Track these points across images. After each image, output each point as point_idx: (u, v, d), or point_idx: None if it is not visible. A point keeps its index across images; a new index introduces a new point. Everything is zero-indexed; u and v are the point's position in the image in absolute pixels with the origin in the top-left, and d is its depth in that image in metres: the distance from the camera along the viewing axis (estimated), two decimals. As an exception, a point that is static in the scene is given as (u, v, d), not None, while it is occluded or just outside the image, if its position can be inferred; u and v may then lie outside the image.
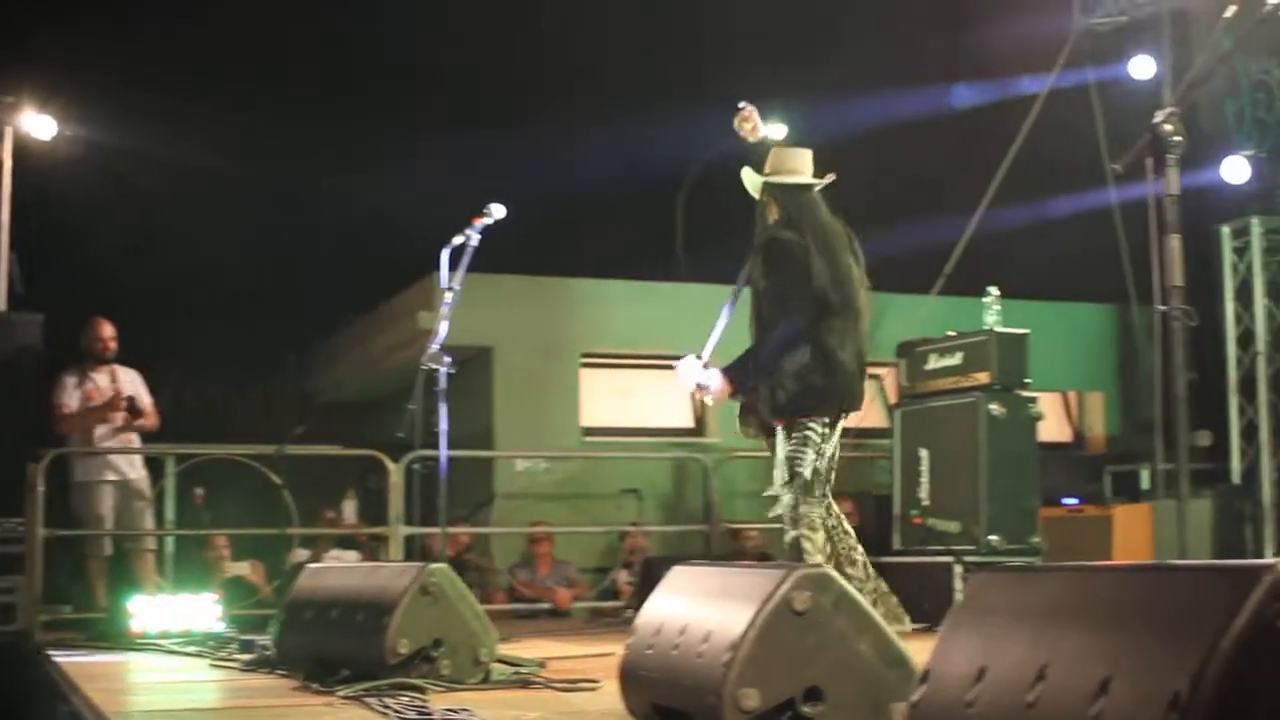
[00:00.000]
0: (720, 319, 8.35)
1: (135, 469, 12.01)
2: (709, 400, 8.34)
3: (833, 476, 8.09)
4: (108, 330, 11.92)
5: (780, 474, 7.97)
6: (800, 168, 8.27)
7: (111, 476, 11.83)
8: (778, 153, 8.31)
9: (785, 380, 7.90)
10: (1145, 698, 2.54)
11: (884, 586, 8.12)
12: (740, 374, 8.05)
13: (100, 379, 11.88)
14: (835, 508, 8.15)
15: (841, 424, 8.03)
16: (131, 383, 11.99)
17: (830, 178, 8.14)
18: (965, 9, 16.63)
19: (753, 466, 14.99)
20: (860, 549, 8.10)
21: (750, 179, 8.29)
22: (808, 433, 7.90)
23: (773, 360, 7.94)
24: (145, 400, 11.97)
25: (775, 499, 8.01)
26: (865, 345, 8.05)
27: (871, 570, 8.14)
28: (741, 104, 8.43)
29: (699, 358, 8.27)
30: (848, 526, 8.17)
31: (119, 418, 11.80)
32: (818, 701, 4.12)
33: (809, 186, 8.17)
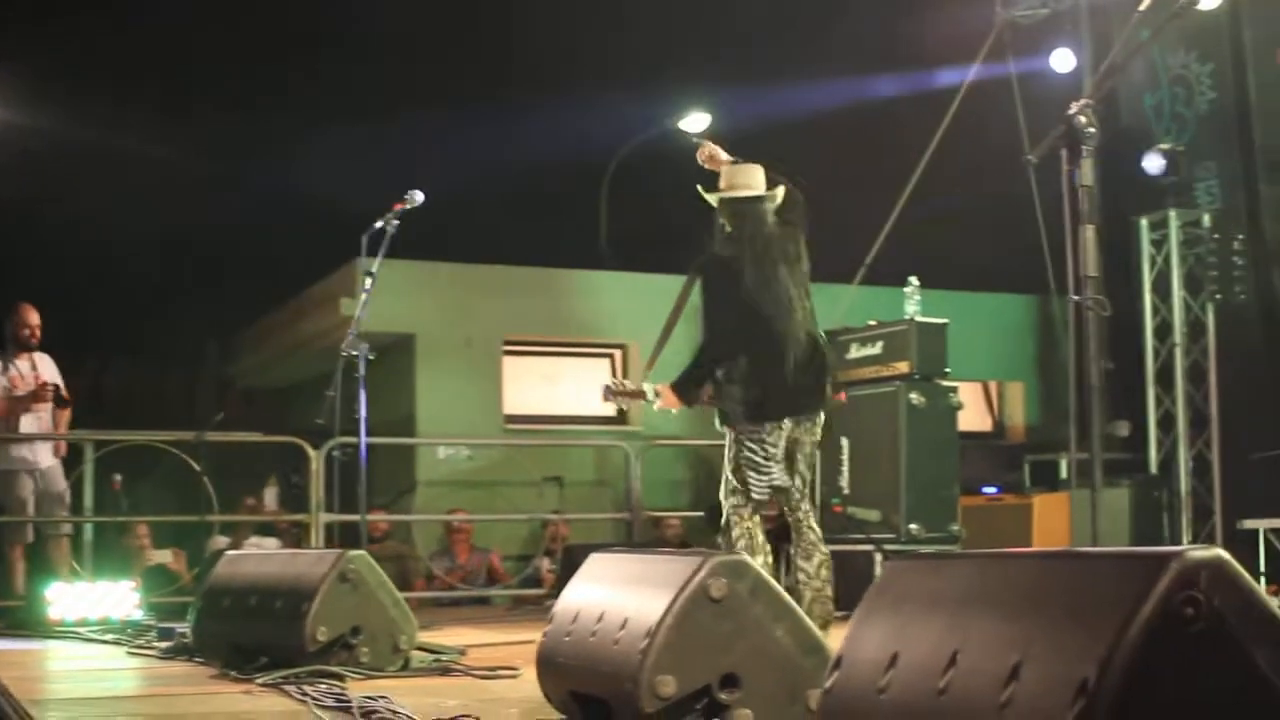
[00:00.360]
0: (661, 335, 8.79)
1: (50, 457, 11.93)
2: (656, 408, 8.56)
3: (809, 472, 8.41)
4: (34, 317, 11.79)
5: (723, 483, 8.25)
6: (750, 183, 8.42)
7: (31, 463, 11.75)
8: (729, 170, 8.44)
9: (723, 392, 8.20)
10: (1054, 683, 2.57)
11: (828, 591, 8.25)
12: (683, 387, 8.32)
13: (23, 366, 11.78)
14: (804, 507, 8.36)
15: (794, 427, 8.22)
16: (50, 370, 11.89)
17: (779, 190, 8.29)
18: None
19: (675, 455, 15.04)
20: (817, 552, 8.32)
21: (709, 197, 8.42)
22: (747, 451, 8.16)
23: (707, 373, 8.26)
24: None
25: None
26: (803, 351, 8.16)
27: (825, 573, 8.29)
28: (697, 140, 8.70)
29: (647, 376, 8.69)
30: (811, 524, 8.35)
31: (45, 407, 11.72)
32: (734, 688, 4.14)
33: (754, 199, 8.32)
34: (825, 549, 8.24)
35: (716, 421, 8.49)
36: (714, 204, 8.36)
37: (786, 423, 8.22)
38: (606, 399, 9.10)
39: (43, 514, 11.78)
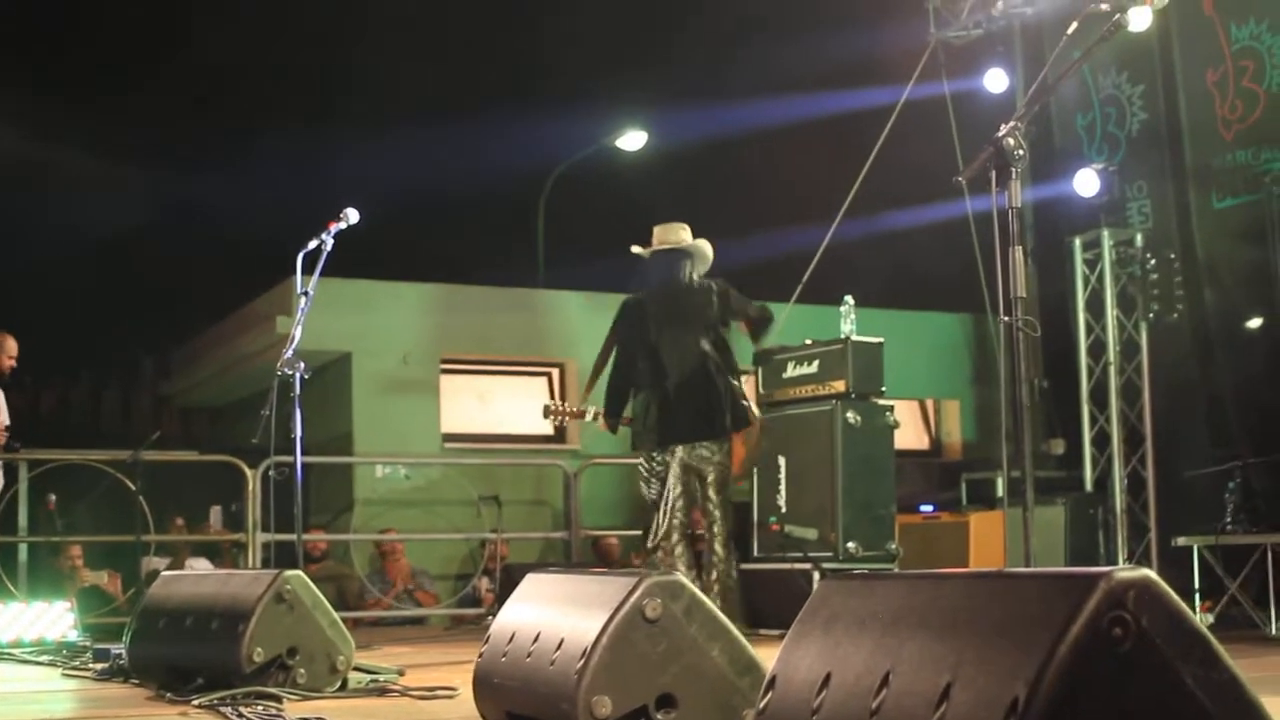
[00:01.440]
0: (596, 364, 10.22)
1: None
2: (599, 427, 10.18)
3: (700, 494, 9.93)
4: (13, 346, 11.61)
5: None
6: (669, 238, 9.98)
7: None
8: (659, 229, 10.00)
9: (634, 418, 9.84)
10: (985, 703, 2.59)
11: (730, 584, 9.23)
12: (606, 413, 10.00)
13: None
14: (715, 526, 9.93)
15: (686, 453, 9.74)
16: (3, 408, 11.82)
17: (703, 244, 10.01)
18: (822, 20, 16.79)
19: (613, 474, 15.05)
20: (720, 564, 9.55)
21: (637, 251, 10.08)
22: (640, 467, 9.87)
23: (617, 403, 9.96)
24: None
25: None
26: (694, 388, 9.80)
27: (729, 583, 9.23)
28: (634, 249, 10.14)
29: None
30: (717, 547, 9.89)
31: None
32: (670, 708, 4.15)
33: (672, 252, 9.94)
34: (728, 569, 9.28)
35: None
36: (645, 257, 9.96)
37: (679, 450, 9.69)
38: (546, 416, 9.87)
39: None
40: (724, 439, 9.80)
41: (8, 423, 11.82)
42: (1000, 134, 5.22)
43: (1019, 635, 2.63)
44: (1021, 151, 5.23)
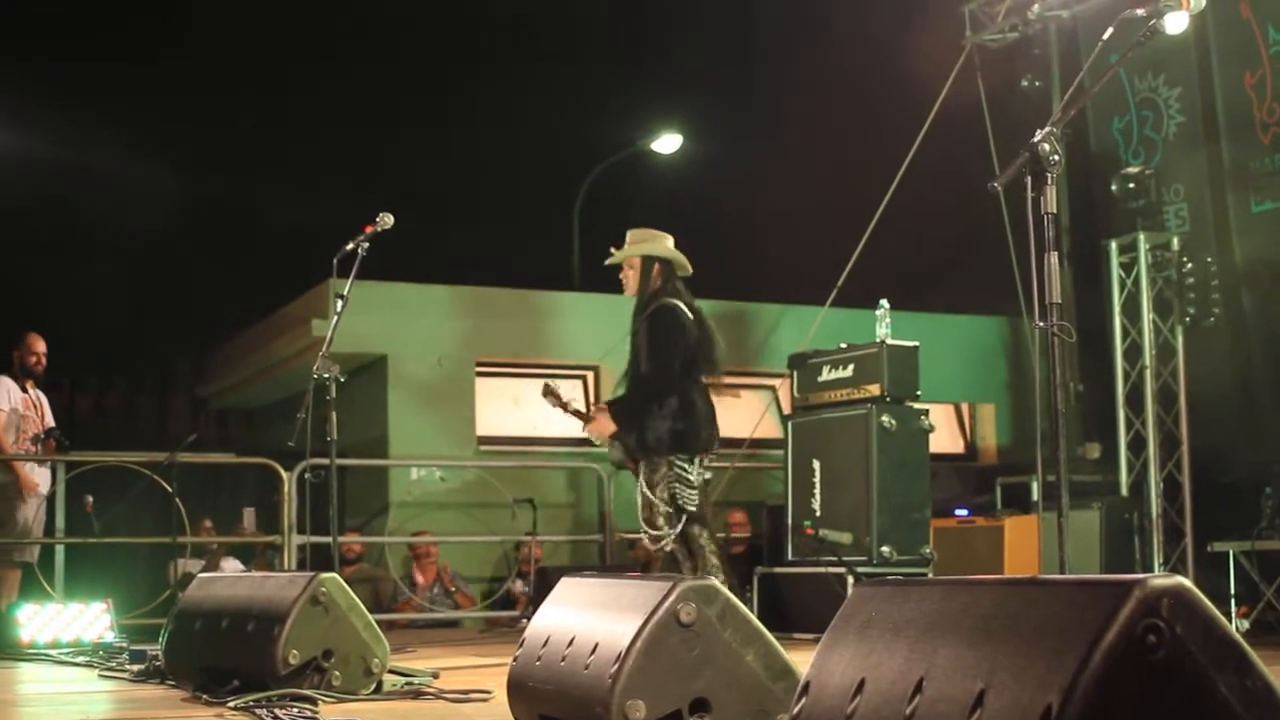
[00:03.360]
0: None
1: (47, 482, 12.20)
2: (584, 429, 10.07)
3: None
4: (41, 345, 12.06)
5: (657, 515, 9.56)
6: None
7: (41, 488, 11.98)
8: (651, 234, 9.87)
9: (649, 424, 9.48)
10: (1019, 710, 2.59)
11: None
12: (626, 416, 9.66)
13: (31, 394, 12.03)
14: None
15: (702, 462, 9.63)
16: (48, 410, 12.20)
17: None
18: (856, 22, 16.77)
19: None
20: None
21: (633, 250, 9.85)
22: (678, 472, 9.48)
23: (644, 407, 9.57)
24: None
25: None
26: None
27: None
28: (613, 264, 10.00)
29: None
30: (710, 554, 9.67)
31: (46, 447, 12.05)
32: (704, 713, 4.16)
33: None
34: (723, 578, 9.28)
35: (613, 451, 9.78)
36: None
37: (704, 458, 9.57)
38: (545, 395, 9.77)
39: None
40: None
41: (52, 424, 12.02)
42: (1036, 139, 5.20)
43: (1053, 642, 2.62)
44: (1057, 157, 5.21)
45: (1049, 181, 5.20)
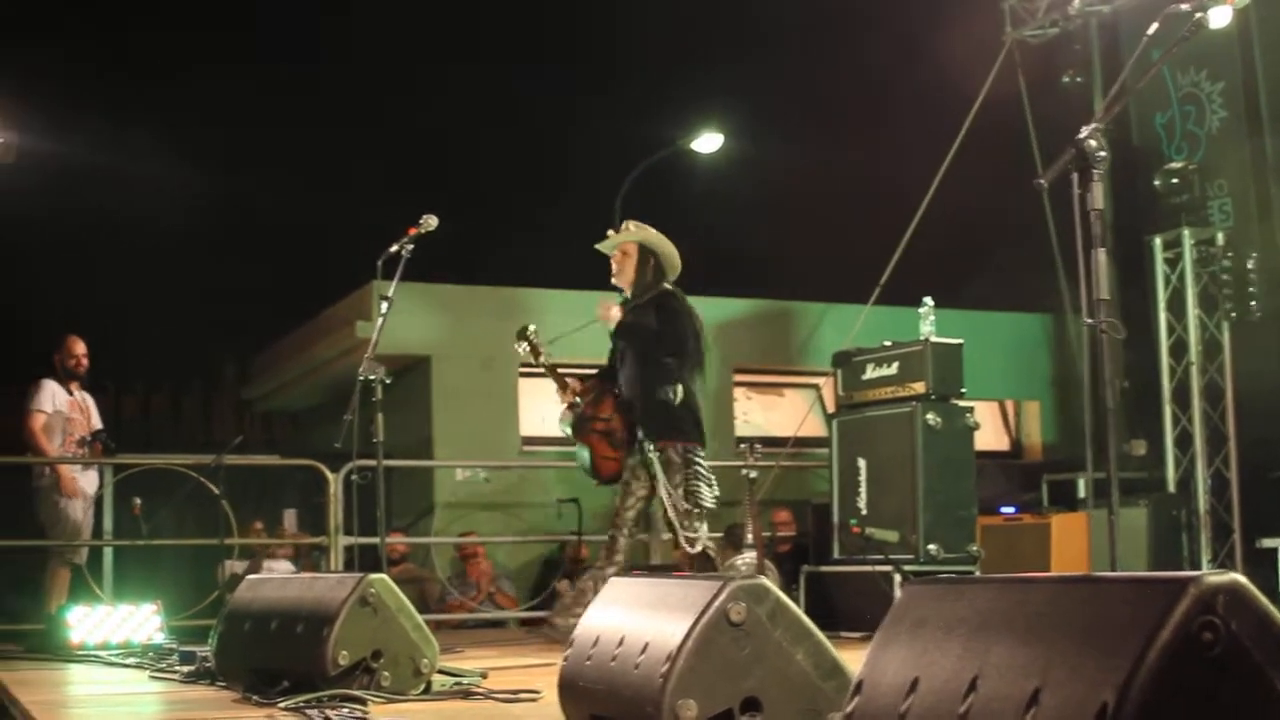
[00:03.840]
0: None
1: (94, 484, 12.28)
2: (560, 419, 10.42)
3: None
4: (80, 347, 12.16)
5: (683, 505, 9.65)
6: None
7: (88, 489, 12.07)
8: (649, 229, 10.06)
9: (660, 409, 9.64)
10: (1074, 709, 2.59)
11: None
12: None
13: (76, 395, 12.11)
14: None
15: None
16: (95, 413, 12.29)
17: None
18: (902, 21, 16.74)
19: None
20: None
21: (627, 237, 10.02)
22: (696, 465, 9.67)
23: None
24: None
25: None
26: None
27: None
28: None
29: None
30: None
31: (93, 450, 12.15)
32: (755, 712, 4.16)
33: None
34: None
35: (564, 423, 10.19)
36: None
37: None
38: (519, 340, 9.80)
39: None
40: None
41: (99, 426, 12.11)
42: (1082, 136, 5.19)
43: (1107, 640, 2.62)
44: (1104, 153, 5.20)
45: (1095, 178, 5.19)
